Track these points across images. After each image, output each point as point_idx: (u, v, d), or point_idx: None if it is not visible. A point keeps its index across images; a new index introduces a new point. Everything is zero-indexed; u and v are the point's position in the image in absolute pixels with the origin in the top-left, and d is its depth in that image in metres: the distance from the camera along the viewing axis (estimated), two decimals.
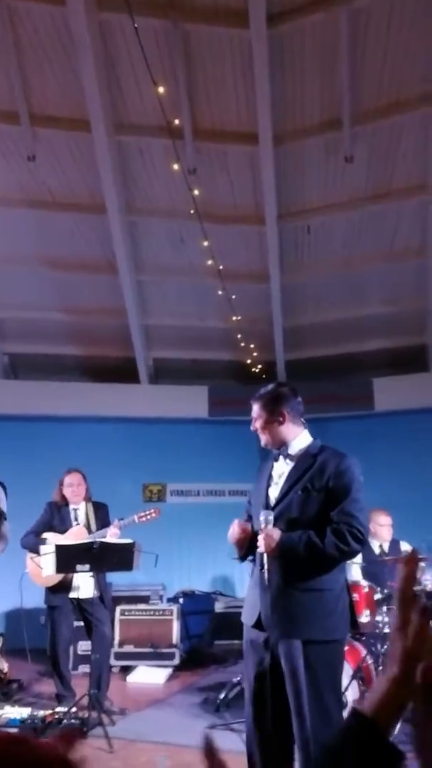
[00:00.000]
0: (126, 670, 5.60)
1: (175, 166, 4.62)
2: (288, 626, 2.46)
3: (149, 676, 5.48)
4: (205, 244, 5.37)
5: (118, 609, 5.78)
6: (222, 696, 4.45)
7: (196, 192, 4.85)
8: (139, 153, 5.41)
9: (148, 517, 4.85)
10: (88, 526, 4.71)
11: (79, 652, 5.51)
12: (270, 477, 2.75)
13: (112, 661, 5.26)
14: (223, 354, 7.35)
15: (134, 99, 5.05)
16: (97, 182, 5.44)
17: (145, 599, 6.19)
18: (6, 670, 4.91)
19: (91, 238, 6.09)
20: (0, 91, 5.05)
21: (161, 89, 4.09)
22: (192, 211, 4.99)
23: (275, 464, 2.76)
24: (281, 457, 2.74)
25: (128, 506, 5.24)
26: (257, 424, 2.75)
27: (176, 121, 4.46)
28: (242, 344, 6.69)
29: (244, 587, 6.78)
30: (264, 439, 2.76)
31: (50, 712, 4.16)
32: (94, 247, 6.16)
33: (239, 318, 6.37)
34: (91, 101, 4.75)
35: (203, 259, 5.82)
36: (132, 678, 5.47)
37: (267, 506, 2.66)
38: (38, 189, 5.69)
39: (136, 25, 3.49)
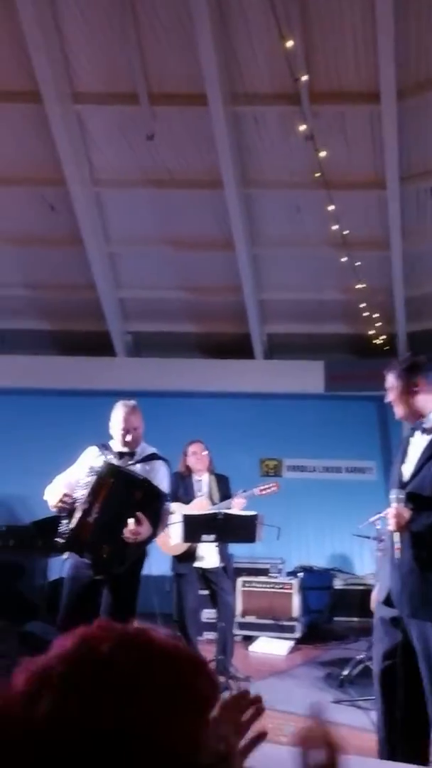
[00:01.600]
0: (248, 639, 5.72)
1: (302, 127, 4.48)
2: (418, 606, 2.38)
3: (271, 646, 5.56)
4: (331, 208, 5.18)
5: (239, 580, 5.90)
6: (346, 672, 4.42)
7: (322, 154, 4.67)
8: (255, 123, 5.33)
9: (268, 490, 4.89)
10: (211, 498, 4.82)
11: (204, 620, 5.70)
12: (405, 453, 2.65)
13: (235, 630, 5.40)
14: (340, 327, 7.16)
15: (249, 68, 4.97)
16: (214, 157, 5.44)
17: (264, 572, 6.27)
18: None
19: (208, 215, 6.12)
20: (120, 73, 5.17)
21: (289, 43, 3.96)
22: (316, 174, 4.82)
23: (411, 439, 2.65)
24: (417, 432, 2.63)
25: (245, 480, 5.29)
26: (392, 396, 2.65)
27: (303, 78, 4.28)
28: (365, 314, 6.46)
29: (363, 565, 6.77)
30: (399, 411, 2.66)
31: None
32: (211, 223, 6.19)
33: (363, 286, 6.14)
34: (207, 73, 4.73)
35: (322, 228, 5.66)
36: (254, 647, 5.59)
37: (400, 484, 2.56)
38: (157, 168, 5.79)
39: None
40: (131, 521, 3.15)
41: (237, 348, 7.20)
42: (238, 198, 5.68)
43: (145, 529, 3.21)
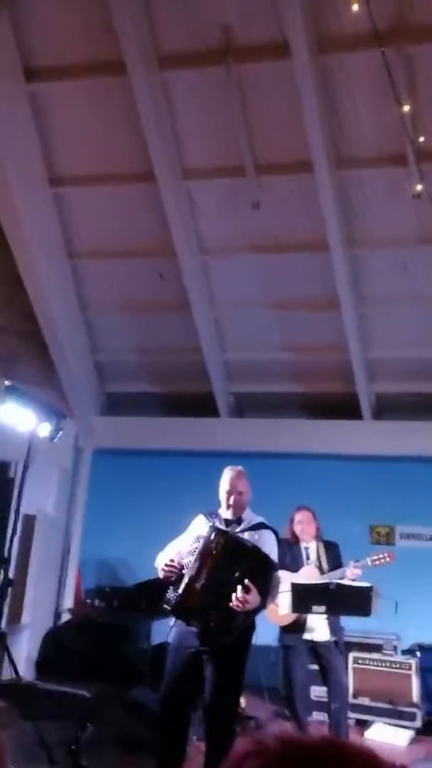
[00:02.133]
0: (360, 724, 5.28)
1: (419, 187, 4.45)
2: None
3: (389, 735, 5.08)
4: None
5: (350, 656, 5.51)
6: None
7: None
8: (360, 185, 5.37)
9: (382, 560, 4.61)
10: (319, 566, 4.61)
11: (312, 698, 5.35)
12: None
13: (348, 713, 5.00)
14: None
15: (354, 132, 5.06)
16: (319, 221, 5.51)
17: (377, 648, 5.82)
18: (243, 705, 4.96)
19: (313, 277, 6.16)
20: (227, 147, 5.44)
21: (406, 107, 4.02)
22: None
23: None
24: None
25: (355, 549, 5.03)
26: None
27: (421, 138, 4.30)
28: None
29: None
30: None
31: None
32: (316, 285, 6.21)
33: None
34: (312, 140, 4.87)
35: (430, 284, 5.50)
36: (371, 734, 5.12)
37: None
38: (262, 234, 5.95)
39: (383, 50, 3.49)
40: (239, 589, 3.06)
41: (344, 408, 7.02)
42: (344, 258, 5.69)
43: (254, 597, 3.10)
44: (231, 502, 3.46)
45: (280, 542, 4.73)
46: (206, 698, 3.32)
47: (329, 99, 4.89)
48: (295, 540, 4.72)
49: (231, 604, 3.07)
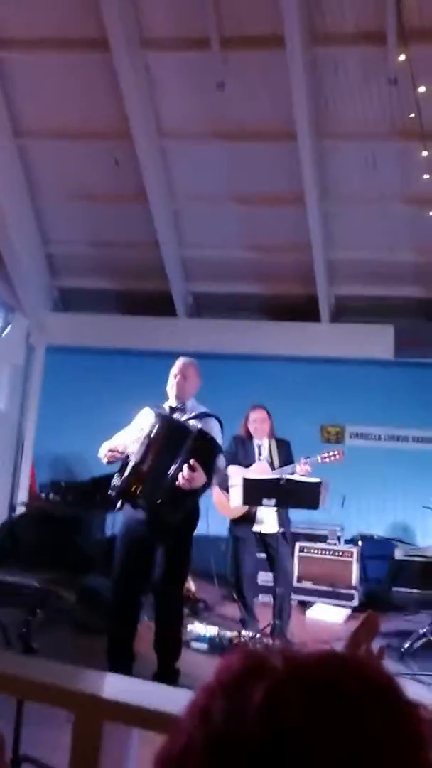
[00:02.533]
0: (304, 605, 5.68)
1: (402, 57, 4.12)
2: None
3: (328, 613, 5.50)
4: (424, 154, 4.80)
5: (297, 545, 5.83)
6: (406, 645, 4.30)
7: (421, 89, 4.31)
8: (334, 67, 4.97)
9: (332, 458, 4.75)
10: (271, 462, 4.73)
11: (260, 582, 5.68)
12: None
13: (292, 596, 5.35)
14: (413, 290, 6.79)
15: (332, 4, 4.59)
16: (288, 107, 5.14)
17: (322, 538, 6.17)
18: (194, 589, 5.24)
19: (278, 169, 5.84)
20: (192, 15, 4.90)
21: None
22: (411, 116, 4.45)
23: None
24: None
25: (306, 447, 5.15)
26: None
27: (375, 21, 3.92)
28: None
29: (427, 537, 6.55)
30: None
31: (236, 634, 4.35)
32: (281, 178, 5.91)
33: None
34: (287, 9, 4.40)
35: (401, 184, 5.29)
36: (311, 614, 5.54)
37: None
38: (227, 119, 5.54)
39: None
40: (185, 468, 3.13)
41: (303, 310, 6.96)
42: (312, 149, 5.37)
43: (199, 475, 3.19)
44: (176, 382, 3.53)
45: (234, 438, 4.83)
46: (156, 581, 3.46)
47: None
48: (249, 437, 4.80)
49: (177, 482, 3.14)
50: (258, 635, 4.32)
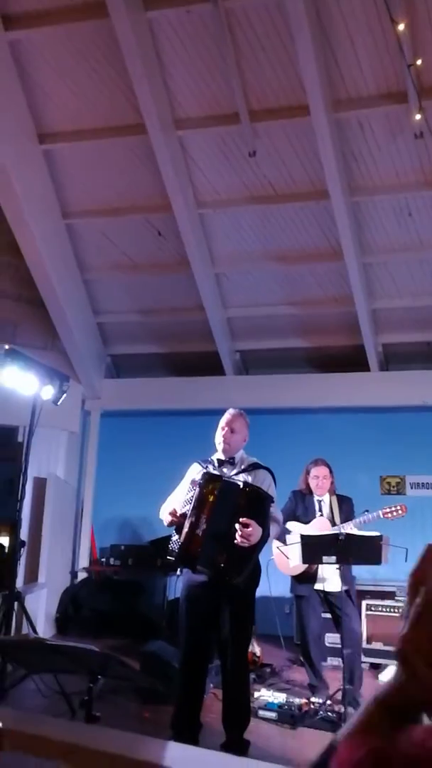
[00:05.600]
0: (375, 667, 5.40)
1: (417, 116, 4.25)
2: None
3: None
4: None
5: (363, 603, 5.60)
6: None
7: None
8: (360, 127, 5.15)
9: (394, 513, 4.59)
10: (332, 519, 4.63)
11: (327, 644, 5.46)
12: None
13: (362, 658, 5.10)
14: None
15: (352, 71, 4.82)
16: (318, 168, 5.33)
17: (390, 595, 5.90)
18: (259, 653, 5.08)
19: (314, 227, 6.00)
20: (219, 94, 5.23)
21: (401, 26, 3.80)
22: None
23: None
24: None
25: (366, 499, 5.03)
26: None
27: (418, 62, 4.06)
28: None
29: None
30: None
31: (305, 701, 4.16)
32: (318, 235, 6.06)
33: None
34: (309, 82, 4.64)
35: None
36: (384, 676, 5.24)
37: None
38: (260, 184, 5.77)
39: None
40: (238, 526, 3.10)
41: (351, 360, 6.95)
42: (346, 206, 5.52)
43: (255, 530, 3.14)
44: (224, 434, 3.50)
45: (293, 493, 4.77)
46: (221, 646, 3.38)
47: (324, 36, 4.64)
48: (309, 492, 4.72)
49: (235, 540, 3.11)
50: (328, 701, 4.13)
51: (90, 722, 2.05)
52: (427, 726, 0.67)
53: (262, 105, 5.19)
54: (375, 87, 4.66)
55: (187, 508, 3.29)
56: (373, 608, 5.65)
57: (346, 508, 4.66)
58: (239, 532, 3.11)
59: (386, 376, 6.98)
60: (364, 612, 5.57)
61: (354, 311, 6.43)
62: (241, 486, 3.29)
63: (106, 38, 4.97)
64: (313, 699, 4.23)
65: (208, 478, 3.33)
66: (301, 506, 4.70)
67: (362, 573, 5.64)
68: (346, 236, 5.70)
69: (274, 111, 5.19)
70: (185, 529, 3.24)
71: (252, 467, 3.52)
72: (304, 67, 4.63)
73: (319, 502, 4.70)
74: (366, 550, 4.05)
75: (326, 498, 4.70)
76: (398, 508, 4.57)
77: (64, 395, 4.53)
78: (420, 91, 4.51)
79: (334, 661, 5.07)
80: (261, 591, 3.63)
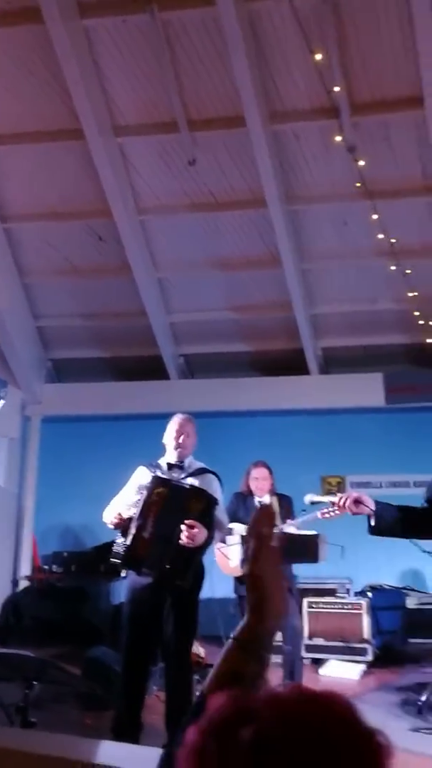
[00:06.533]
0: (317, 663, 5.54)
1: (338, 138, 4.44)
2: None
3: (342, 670, 5.35)
4: (374, 217, 5.09)
5: (305, 601, 5.74)
6: (424, 698, 4.18)
7: (361, 163, 4.61)
8: (295, 139, 5.32)
9: (332, 514, 4.72)
10: None
11: (275, 643, 5.56)
12: None
13: (303, 653, 5.23)
14: (398, 338, 6.96)
15: (286, 85, 4.98)
16: (256, 176, 5.46)
17: (331, 592, 6.08)
18: (203, 655, 5.12)
19: (253, 234, 6.13)
20: (158, 102, 5.29)
21: (318, 56, 3.95)
22: (357, 184, 4.76)
23: None
24: None
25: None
26: None
27: (336, 89, 4.27)
28: (420, 323, 6.27)
29: None
30: None
31: None
32: (257, 242, 6.20)
33: (416, 294, 5.98)
34: (245, 94, 4.77)
35: (371, 238, 5.55)
36: (325, 671, 5.40)
37: None
38: (200, 192, 5.86)
39: None
40: (184, 528, 3.15)
41: (292, 364, 7.12)
42: (283, 214, 5.67)
43: (200, 531, 3.19)
44: (180, 441, 3.52)
45: (235, 495, 4.85)
46: (165, 647, 3.42)
47: (260, 50, 4.78)
48: (250, 493, 4.81)
49: (181, 542, 3.15)
50: None
51: (26, 728, 2.05)
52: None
53: (201, 115, 5.29)
54: (308, 101, 4.83)
55: (134, 511, 3.31)
56: (314, 605, 5.80)
57: (285, 507, 4.77)
58: (185, 533, 3.16)
59: (325, 379, 7.18)
60: (306, 609, 5.71)
61: (294, 316, 6.60)
62: (189, 489, 3.34)
63: (43, 43, 4.95)
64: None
65: (157, 481, 3.36)
66: (243, 508, 4.78)
67: (304, 571, 5.77)
68: (283, 243, 5.85)
69: (213, 121, 5.30)
70: (132, 532, 3.26)
71: (199, 471, 3.57)
72: (240, 79, 4.76)
73: (260, 502, 4.80)
74: (303, 549, 4.18)
75: (266, 498, 4.80)
76: (335, 509, 4.69)
77: (2, 401, 4.47)
78: (352, 107, 4.71)
79: (277, 658, 5.18)
80: (205, 592, 3.68)
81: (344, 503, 2.48)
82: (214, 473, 3.62)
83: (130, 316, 6.94)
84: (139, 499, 3.33)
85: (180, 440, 3.52)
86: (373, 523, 2.45)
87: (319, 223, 6.04)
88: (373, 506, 2.45)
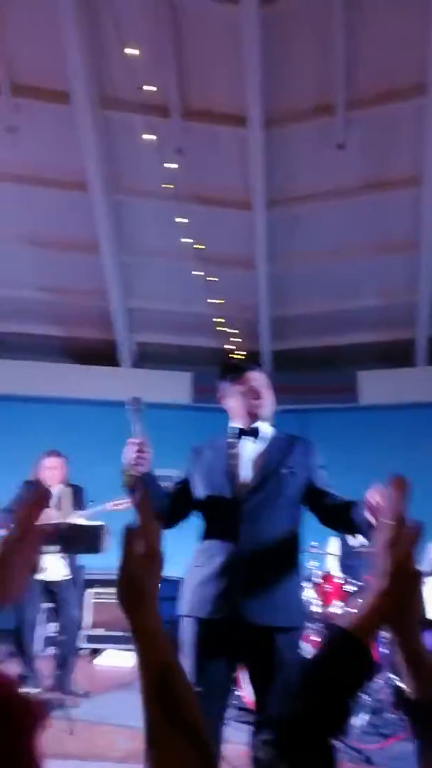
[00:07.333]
0: (97, 653, 5.57)
1: (153, 137, 4.49)
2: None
3: (118, 659, 5.45)
4: (185, 221, 5.25)
5: (90, 591, 5.73)
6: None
7: (174, 165, 4.72)
8: (128, 130, 5.29)
9: (122, 505, 4.78)
10: (60, 509, 4.65)
11: (50, 634, 5.47)
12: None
13: (84, 644, 5.23)
14: (208, 341, 7.27)
15: (123, 73, 4.92)
16: (81, 157, 5.32)
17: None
18: None
19: (74, 217, 5.97)
20: None
21: (136, 51, 3.97)
22: (163, 186, 4.87)
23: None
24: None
25: (107, 491, 5.16)
26: (267, 392, 2.24)
27: (144, 87, 4.31)
28: (221, 329, 6.61)
29: None
30: (267, 408, 2.25)
31: None
32: (78, 225, 6.04)
33: (222, 301, 6.29)
34: (73, 70, 4.61)
35: (187, 241, 5.72)
36: (100, 661, 5.45)
37: None
38: (22, 162, 5.56)
39: None
40: None
41: (106, 355, 7.07)
42: (106, 203, 5.60)
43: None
44: None
45: (26, 484, 4.67)
46: None
47: (95, 29, 4.65)
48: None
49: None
50: (38, 690, 4.15)
51: None
52: None
53: (26, 81, 4.99)
54: (147, 94, 4.82)
55: None
56: (99, 596, 5.83)
57: (76, 497, 4.73)
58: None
59: (136, 372, 7.25)
60: (91, 600, 5.71)
61: (109, 306, 6.56)
62: None
63: None
64: (24, 690, 4.20)
65: None
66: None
67: (92, 562, 5.77)
68: (103, 231, 5.78)
69: (38, 90, 5.04)
70: None
71: None
72: (70, 54, 4.59)
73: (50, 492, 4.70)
74: (87, 539, 4.17)
75: (58, 488, 4.72)
76: (126, 500, 4.76)
77: None
78: (183, 113, 4.79)
79: (51, 649, 5.10)
80: None
81: None
82: None
83: None
84: None
85: None
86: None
87: (142, 218, 6.07)
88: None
